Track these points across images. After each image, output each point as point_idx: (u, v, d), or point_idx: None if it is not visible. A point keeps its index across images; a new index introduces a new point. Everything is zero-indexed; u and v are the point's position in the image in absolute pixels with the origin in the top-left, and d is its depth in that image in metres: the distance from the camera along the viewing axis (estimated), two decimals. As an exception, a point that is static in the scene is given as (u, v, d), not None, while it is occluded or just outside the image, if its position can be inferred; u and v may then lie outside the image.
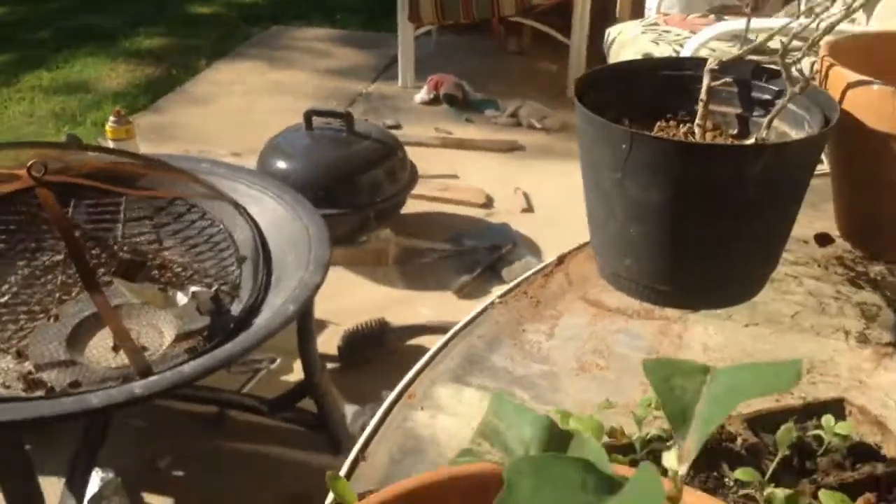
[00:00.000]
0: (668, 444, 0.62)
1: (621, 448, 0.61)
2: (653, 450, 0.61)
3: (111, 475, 1.73)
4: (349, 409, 2.11)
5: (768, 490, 0.56)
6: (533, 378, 0.83)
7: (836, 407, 0.68)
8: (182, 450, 2.06)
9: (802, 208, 0.90)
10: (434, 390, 0.80)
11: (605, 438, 0.62)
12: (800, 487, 0.58)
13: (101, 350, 1.65)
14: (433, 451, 0.72)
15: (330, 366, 2.36)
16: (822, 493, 0.56)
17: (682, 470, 0.33)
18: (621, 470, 0.43)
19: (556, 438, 0.35)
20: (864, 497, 0.59)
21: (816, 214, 1.09)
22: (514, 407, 0.36)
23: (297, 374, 2.31)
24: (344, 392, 2.16)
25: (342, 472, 0.69)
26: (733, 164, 0.81)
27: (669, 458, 0.31)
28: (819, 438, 0.63)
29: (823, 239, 1.07)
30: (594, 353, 0.87)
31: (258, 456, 2.08)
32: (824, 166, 1.09)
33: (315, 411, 2.02)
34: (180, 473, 2.08)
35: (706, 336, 0.90)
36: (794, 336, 0.89)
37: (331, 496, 0.57)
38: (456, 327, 0.89)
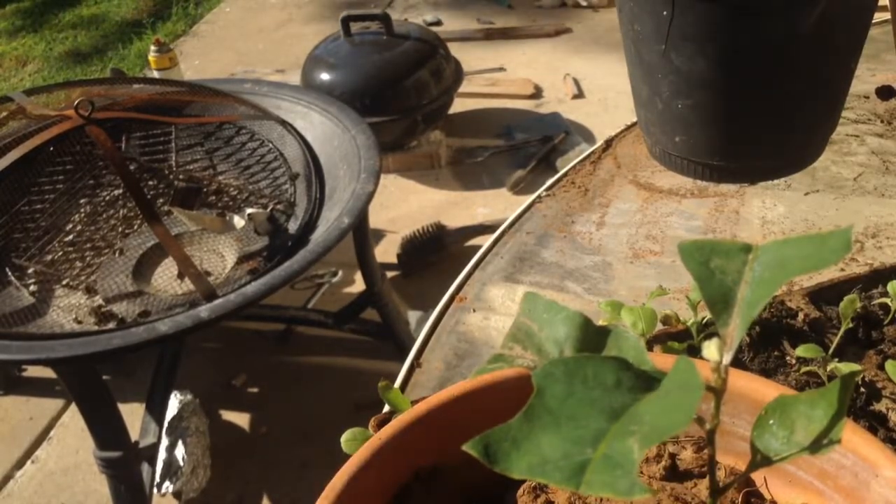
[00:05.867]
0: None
1: (676, 335, 0.59)
2: (710, 334, 0.59)
3: (189, 397, 1.80)
4: (412, 315, 2.14)
5: (832, 365, 0.54)
6: (585, 270, 0.81)
7: (904, 272, 0.64)
8: (254, 368, 2.14)
9: (861, 60, 0.84)
10: (485, 291, 0.79)
11: (660, 326, 0.60)
12: (865, 360, 0.56)
13: (166, 279, 1.69)
14: (488, 353, 0.72)
15: (390, 274, 2.39)
16: (888, 364, 0.53)
17: (727, 359, 0.31)
18: (666, 362, 0.42)
19: (592, 336, 0.34)
20: (936, 363, 0.56)
21: (877, 67, 1.01)
22: (547, 304, 0.35)
23: (359, 285, 2.36)
24: (406, 299, 2.19)
25: (398, 381, 0.69)
26: (786, 17, 0.75)
27: (710, 349, 0.29)
28: (886, 307, 0.60)
29: (886, 92, 1.00)
30: (647, 239, 0.84)
31: (328, 368, 2.14)
32: (886, 14, 1.01)
33: (379, 320, 2.06)
34: (255, 390, 2.16)
35: (764, 209, 0.86)
36: (857, 199, 0.85)
37: (386, 406, 0.57)
38: (503, 226, 0.87)
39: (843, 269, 0.73)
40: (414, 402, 0.56)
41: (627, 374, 0.28)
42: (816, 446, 0.27)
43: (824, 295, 0.63)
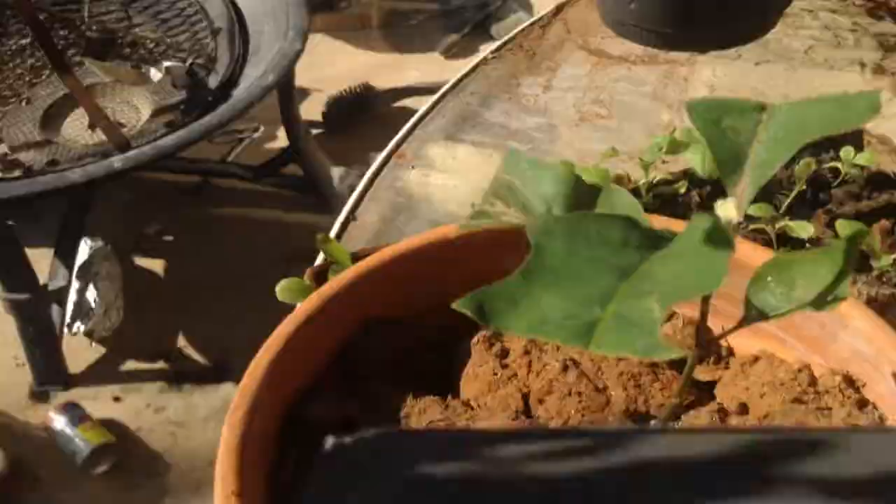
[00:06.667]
0: (675, 186, 0.58)
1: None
2: (659, 194, 0.58)
3: (100, 243, 1.74)
4: (335, 171, 2.10)
5: (781, 223, 0.53)
6: (530, 131, 0.78)
7: (856, 138, 0.64)
8: (169, 219, 2.08)
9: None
10: (425, 149, 0.76)
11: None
12: (814, 219, 0.55)
13: (76, 129, 1.61)
14: (426, 208, 0.69)
15: (315, 132, 2.33)
16: (838, 223, 0.53)
17: (738, 217, 0.28)
18: (660, 222, 0.40)
19: (583, 194, 0.31)
20: (879, 223, 0.56)
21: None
22: (532, 162, 0.32)
23: (281, 141, 2.29)
24: (330, 156, 2.14)
25: (332, 233, 0.66)
26: None
27: (725, 207, 0.27)
28: (835, 170, 0.60)
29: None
30: (595, 103, 0.82)
31: (248, 220, 2.10)
32: None
33: (301, 175, 2.03)
34: (169, 239, 2.11)
35: (714, 78, 0.84)
36: (807, 71, 0.84)
37: (320, 257, 0.54)
38: (447, 86, 0.83)
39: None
40: (353, 255, 0.53)
41: (635, 233, 0.25)
42: (821, 302, 0.26)
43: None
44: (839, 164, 0.59)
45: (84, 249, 1.72)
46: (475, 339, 0.38)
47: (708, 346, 0.37)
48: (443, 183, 0.72)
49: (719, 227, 0.23)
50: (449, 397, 0.36)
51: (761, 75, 0.84)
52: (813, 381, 0.34)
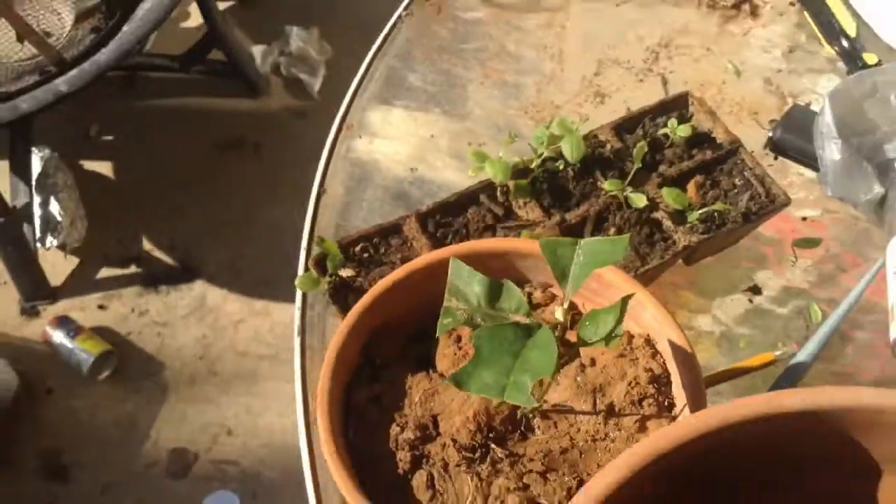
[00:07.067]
0: (556, 164, 0.82)
1: (522, 171, 0.81)
2: (546, 168, 0.82)
3: (48, 151, 1.84)
4: (256, 50, 2.20)
5: (626, 192, 0.79)
6: (446, 94, 0.99)
7: (682, 101, 0.87)
8: (105, 117, 2.16)
9: None
10: (366, 117, 0.96)
11: (512, 169, 0.80)
12: (648, 183, 0.80)
13: (5, 44, 1.69)
14: (377, 176, 0.92)
15: (226, 5, 2.38)
16: (664, 190, 0.79)
17: (561, 317, 0.53)
18: (531, 247, 0.64)
19: (495, 289, 0.53)
20: (694, 179, 0.82)
21: None
22: (468, 271, 0.53)
23: (194, 19, 2.33)
24: (246, 32, 2.21)
25: (310, 207, 0.88)
26: None
27: (557, 313, 0.51)
28: (666, 136, 0.84)
29: None
30: (494, 58, 1.02)
31: (181, 110, 2.21)
32: None
33: (224, 59, 2.12)
34: (110, 138, 2.22)
35: (584, 23, 1.05)
36: (661, 8, 1.05)
37: (316, 250, 0.76)
38: (372, 51, 1.01)
39: (641, 107, 0.96)
40: (340, 244, 0.77)
41: (519, 330, 0.49)
42: (609, 339, 0.51)
43: (626, 125, 0.86)
44: (668, 131, 0.84)
45: (35, 161, 1.82)
46: (442, 336, 0.63)
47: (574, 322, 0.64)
48: (385, 149, 0.94)
49: (547, 337, 0.48)
50: (431, 371, 0.62)
51: (623, 17, 1.05)
52: (630, 341, 0.61)
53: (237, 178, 2.02)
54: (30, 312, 1.85)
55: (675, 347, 0.59)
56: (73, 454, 1.68)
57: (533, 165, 0.81)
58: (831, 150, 0.83)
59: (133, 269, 1.93)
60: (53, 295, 1.86)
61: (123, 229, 1.98)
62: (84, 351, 1.73)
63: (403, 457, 0.57)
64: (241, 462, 1.67)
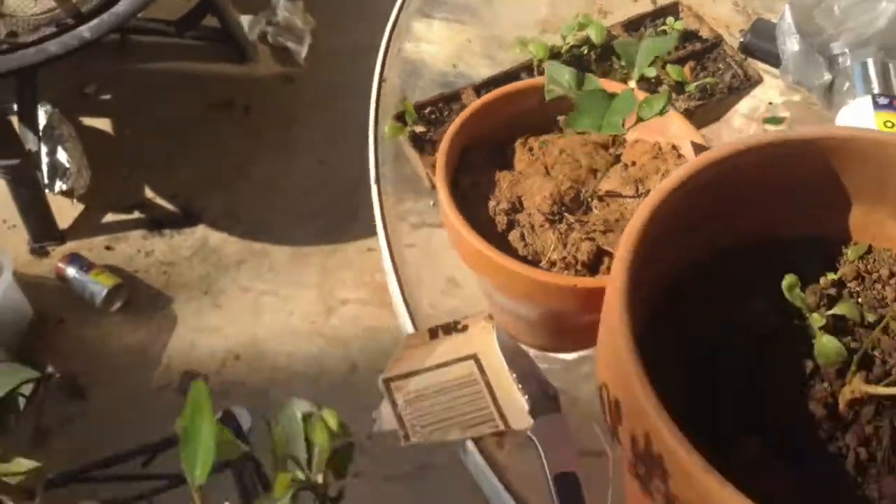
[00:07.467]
0: (581, 49, 1.02)
1: (555, 54, 1.01)
2: (573, 53, 1.02)
3: (49, 107, 1.96)
4: (245, 20, 2.35)
5: (634, 80, 0.99)
6: (478, 9, 1.18)
7: (674, 8, 1.09)
8: (100, 76, 2.27)
9: None
10: (412, 26, 1.15)
11: (549, 50, 1.00)
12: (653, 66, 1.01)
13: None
14: (424, 70, 1.11)
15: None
16: (668, 67, 1.00)
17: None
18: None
19: (580, 77, 0.73)
20: (688, 64, 1.04)
21: None
22: (560, 66, 0.73)
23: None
24: (234, 2, 2.35)
25: (372, 96, 1.06)
26: None
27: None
28: (664, 31, 1.06)
29: None
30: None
31: (174, 73, 2.34)
32: None
33: (217, 25, 2.26)
34: (108, 97, 2.34)
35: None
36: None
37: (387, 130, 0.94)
38: (412, -28, 1.20)
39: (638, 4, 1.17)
40: (415, 107, 0.95)
41: (605, 94, 0.69)
42: (661, 112, 0.71)
43: (632, 25, 1.07)
44: (666, 28, 1.05)
45: (41, 114, 1.93)
46: (516, 143, 0.82)
47: (616, 138, 0.83)
48: (430, 50, 1.13)
49: (630, 93, 0.68)
50: (513, 170, 0.81)
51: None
52: (659, 148, 0.82)
53: (229, 137, 2.17)
54: (39, 252, 1.95)
55: (696, 147, 0.79)
56: (88, 377, 1.78)
57: (562, 51, 1.02)
58: (791, 44, 1.05)
59: (137, 214, 2.05)
60: (62, 237, 1.97)
61: (125, 181, 2.10)
62: (97, 283, 1.84)
63: (501, 220, 0.76)
64: (247, 383, 1.81)
